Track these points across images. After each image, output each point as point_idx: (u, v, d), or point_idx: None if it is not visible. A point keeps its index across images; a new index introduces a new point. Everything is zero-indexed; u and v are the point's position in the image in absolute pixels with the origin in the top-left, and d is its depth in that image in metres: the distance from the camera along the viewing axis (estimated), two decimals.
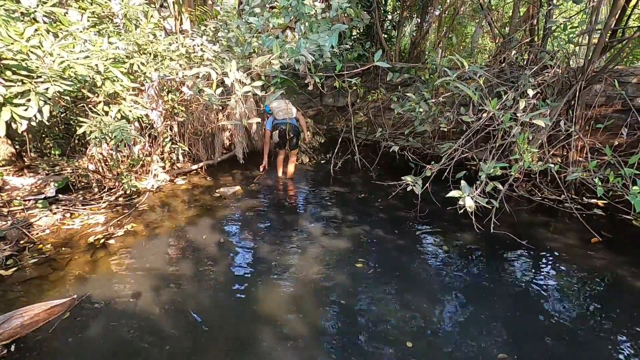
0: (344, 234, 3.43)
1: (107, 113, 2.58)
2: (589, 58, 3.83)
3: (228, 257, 3.04)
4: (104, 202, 3.91)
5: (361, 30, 7.26)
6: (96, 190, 4.10)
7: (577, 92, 3.79)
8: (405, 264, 2.95)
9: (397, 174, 3.33)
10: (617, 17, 4.33)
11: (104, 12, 2.87)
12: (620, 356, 2.02)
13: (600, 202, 3.86)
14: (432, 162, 3.42)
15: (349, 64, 5.91)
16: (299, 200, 4.44)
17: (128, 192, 4.06)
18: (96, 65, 2.18)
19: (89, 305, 2.41)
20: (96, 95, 2.73)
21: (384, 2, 7.45)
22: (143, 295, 2.51)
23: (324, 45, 2.58)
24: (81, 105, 3.03)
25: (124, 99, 2.62)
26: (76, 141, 4.47)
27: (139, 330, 2.20)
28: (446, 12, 7.83)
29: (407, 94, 4.07)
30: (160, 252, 3.07)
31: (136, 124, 4.33)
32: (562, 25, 3.74)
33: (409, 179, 2.91)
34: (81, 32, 2.40)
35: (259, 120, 3.34)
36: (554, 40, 4.43)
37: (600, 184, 2.72)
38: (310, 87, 3.20)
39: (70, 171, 4.16)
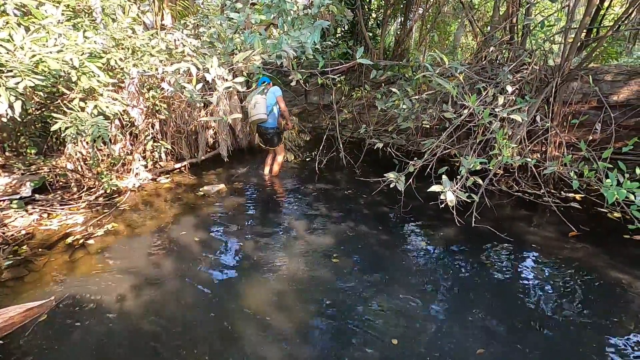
0: (329, 230, 3.44)
1: (83, 109, 2.51)
2: (566, 56, 3.93)
3: (211, 255, 3.00)
4: (83, 202, 3.81)
5: (346, 28, 7.28)
6: (75, 189, 3.99)
7: (554, 89, 3.89)
8: (389, 259, 2.98)
9: (381, 171, 3.35)
10: (591, 16, 4.47)
11: (79, 5, 2.79)
12: (598, 345, 2.09)
13: (577, 196, 3.98)
14: (415, 159, 3.46)
15: (333, 61, 5.92)
16: (284, 198, 4.43)
17: (108, 191, 3.97)
18: (71, 59, 2.11)
19: (67, 306, 2.35)
20: (72, 91, 2.66)
21: (368, 1, 7.48)
22: (124, 295, 2.46)
23: (306, 42, 2.57)
24: (57, 102, 2.94)
25: (101, 95, 2.55)
26: (53, 140, 4.34)
27: (120, 331, 2.16)
28: (429, 11, 7.93)
29: (392, 89, 4.10)
30: (141, 252, 3.02)
31: (117, 122, 4.24)
32: (539, 24, 3.83)
33: (391, 175, 2.94)
34: (55, 25, 2.33)
35: (240, 116, 3.31)
36: (533, 38, 4.53)
37: (575, 177, 2.80)
38: (294, 84, 3.19)
39: (48, 170, 4.04)
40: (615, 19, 4.63)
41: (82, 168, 4.06)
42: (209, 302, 2.44)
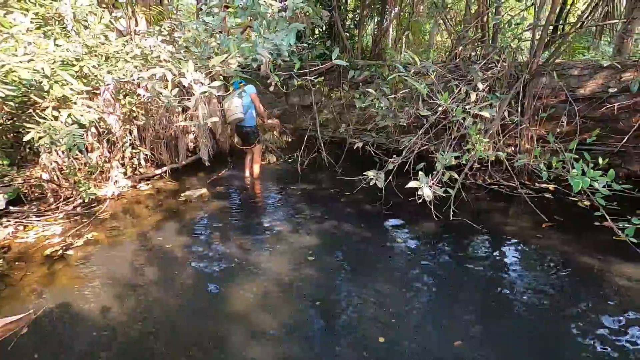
0: (312, 229, 3.48)
1: (56, 118, 2.47)
2: (534, 52, 4.10)
3: (195, 260, 3.00)
4: (61, 212, 3.73)
5: (323, 29, 7.33)
6: (52, 200, 3.90)
7: (524, 85, 4.05)
8: (373, 255, 3.04)
9: (363, 169, 3.41)
10: (557, 13, 4.66)
11: (49, 13, 2.73)
12: (572, 328, 2.20)
13: (550, 186, 4.15)
14: (395, 156, 3.54)
15: (311, 62, 5.96)
16: (267, 200, 4.45)
17: (87, 200, 3.89)
18: (42, 68, 2.08)
19: (48, 319, 2.31)
20: (44, 99, 2.61)
21: (344, 1, 7.56)
22: (107, 304, 2.44)
23: (281, 45, 2.61)
24: (29, 111, 2.87)
25: (75, 103, 2.51)
26: (27, 150, 4.22)
27: (104, 341, 2.14)
28: (404, 11, 8.07)
29: (368, 90, 4.18)
30: (123, 260, 2.99)
31: (93, 129, 4.16)
32: (507, 23, 3.98)
33: (370, 173, 3.01)
34: (24, 34, 2.28)
35: (217, 119, 3.31)
36: (502, 36, 4.70)
37: (544, 169, 2.93)
38: (272, 88, 3.21)
39: (22, 181, 3.93)
40: (579, 16, 4.84)
41: (58, 178, 3.97)
42: (194, 307, 2.44)
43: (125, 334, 2.19)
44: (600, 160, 2.70)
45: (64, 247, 3.14)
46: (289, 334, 2.18)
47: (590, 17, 4.84)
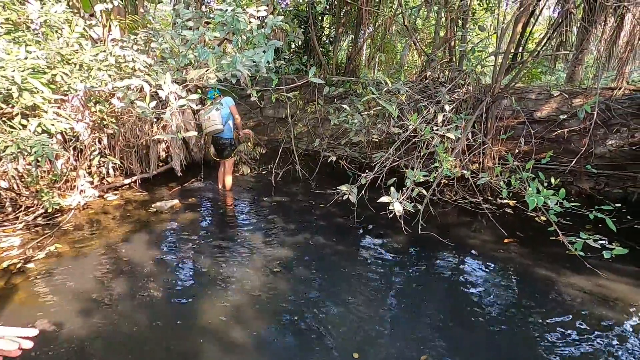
0: (286, 242, 3.51)
1: (25, 127, 2.38)
2: (495, 77, 4.41)
3: (166, 273, 2.95)
4: (20, 223, 3.55)
5: (299, 44, 7.48)
6: (10, 209, 3.70)
7: (487, 107, 4.33)
8: (345, 268, 3.11)
9: (336, 183, 3.50)
10: (515, 43, 5.05)
11: (20, 18, 2.65)
12: (531, 336, 2.36)
13: (511, 202, 4.42)
14: (367, 171, 3.66)
15: (288, 76, 6.06)
16: (240, 212, 4.44)
17: (50, 210, 3.73)
18: (12, 76, 2.01)
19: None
20: (11, 106, 2.50)
21: (320, 19, 7.77)
22: (70, 321, 2.34)
23: (260, 62, 2.67)
24: None
25: (45, 112, 2.44)
26: None
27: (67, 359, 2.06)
28: (378, 31, 8.39)
29: (343, 105, 4.32)
30: (89, 273, 2.88)
31: (59, 136, 4.01)
32: (470, 49, 4.27)
33: (344, 188, 3.10)
34: None
35: (195, 134, 3.31)
36: (467, 62, 5.02)
37: (504, 187, 3.15)
38: (253, 98, 3.26)
39: None
40: (536, 44, 5.26)
41: (17, 186, 3.78)
42: (165, 321, 2.39)
43: (89, 352, 2.11)
44: (552, 180, 2.94)
45: (24, 260, 2.99)
46: (260, 348, 2.19)
47: (545, 47, 5.27)
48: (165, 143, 5.42)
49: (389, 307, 2.63)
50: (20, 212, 3.71)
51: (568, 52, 5.34)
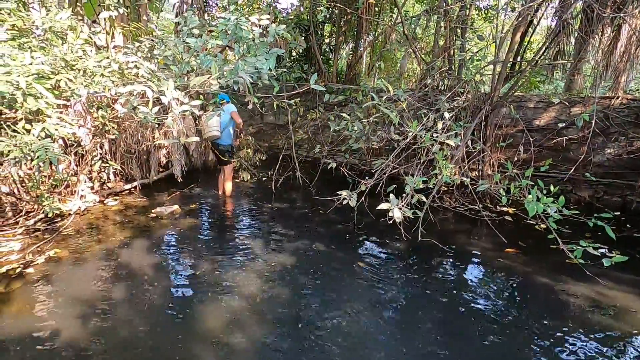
0: (285, 249, 3.51)
1: (28, 131, 2.40)
2: (494, 86, 4.45)
3: (165, 279, 2.94)
4: (21, 227, 3.55)
5: (300, 52, 7.57)
6: (10, 214, 3.70)
7: (486, 115, 4.37)
8: (344, 276, 3.11)
9: (336, 189, 3.51)
10: (514, 52, 5.11)
11: (25, 25, 2.69)
12: (537, 345, 2.35)
13: (510, 210, 4.44)
14: (367, 177, 3.68)
15: (288, 84, 6.11)
16: (240, 218, 4.44)
17: (50, 215, 3.73)
18: (17, 81, 2.04)
19: (4, 342, 2.18)
20: (14, 111, 2.52)
21: (321, 27, 7.87)
22: (68, 326, 2.33)
23: (262, 69, 2.71)
24: None
25: (49, 117, 2.46)
26: None
27: None
28: (378, 39, 8.50)
29: (342, 114, 4.36)
30: (88, 279, 2.87)
31: (60, 141, 4.03)
32: (469, 58, 4.32)
33: (344, 193, 3.11)
34: None
35: (197, 139, 3.34)
36: (466, 71, 5.07)
37: (504, 194, 3.16)
38: (251, 106, 3.29)
39: None
40: (535, 53, 5.33)
41: (18, 190, 3.79)
42: (164, 327, 2.38)
43: (88, 357, 2.10)
44: (552, 188, 2.96)
45: (23, 265, 2.98)
46: (258, 355, 2.18)
47: (544, 56, 5.33)
48: (166, 149, 5.44)
49: (389, 316, 2.62)
50: (20, 216, 3.71)
51: (566, 61, 5.40)
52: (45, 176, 4.07)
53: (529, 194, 2.84)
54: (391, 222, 2.86)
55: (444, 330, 2.45)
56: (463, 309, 2.69)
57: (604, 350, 2.27)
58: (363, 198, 3.70)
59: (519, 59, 5.57)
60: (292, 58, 7.75)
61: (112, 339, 2.24)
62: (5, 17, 2.48)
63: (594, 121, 3.87)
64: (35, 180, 3.78)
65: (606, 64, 5.08)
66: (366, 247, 3.67)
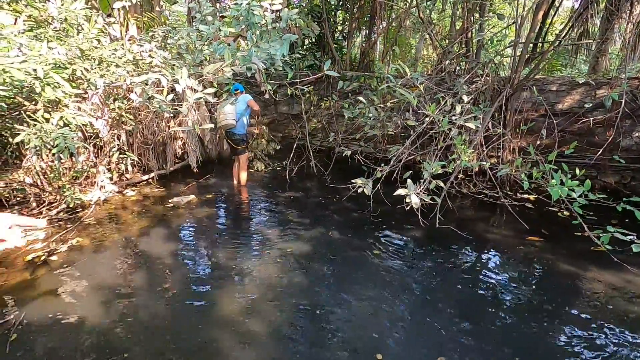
0: (301, 237, 3.51)
1: (47, 120, 2.44)
2: (515, 68, 4.29)
3: (184, 266, 2.98)
4: (44, 217, 3.65)
5: (313, 40, 7.47)
6: (34, 205, 3.81)
7: (506, 99, 4.22)
8: (361, 263, 3.08)
9: (351, 178, 3.47)
10: (536, 32, 4.89)
11: (41, 15, 2.72)
12: (560, 333, 2.28)
13: (531, 197, 4.31)
14: (382, 165, 3.62)
15: (301, 72, 6.05)
16: (256, 207, 4.45)
17: (71, 205, 3.82)
18: (34, 70, 2.07)
19: (31, 326, 2.25)
20: (33, 102, 2.57)
21: (334, 14, 7.74)
22: (92, 311, 2.39)
23: (275, 55, 2.67)
24: (16, 113, 2.83)
25: (67, 106, 2.49)
26: (9, 153, 4.13)
27: (89, 347, 2.10)
28: (392, 25, 8.30)
29: (359, 98, 4.29)
30: (109, 266, 2.94)
31: (79, 133, 4.11)
32: (489, 40, 4.16)
33: (359, 181, 3.07)
34: (16, 35, 2.27)
35: (212, 125, 3.34)
36: (485, 52, 4.90)
37: (525, 179, 3.05)
38: (267, 96, 3.26)
39: (3, 185, 3.83)
40: (557, 35, 5.11)
41: (41, 182, 3.89)
42: (183, 313, 2.42)
43: (109, 341, 2.15)
44: (577, 171, 2.84)
45: (47, 253, 3.07)
46: (276, 341, 2.19)
47: (567, 37, 5.10)
48: (182, 140, 5.49)
49: (407, 303, 2.58)
50: (43, 207, 3.81)
51: (591, 41, 5.15)
52: (66, 168, 4.17)
53: (553, 177, 2.73)
54: (408, 208, 2.81)
55: (465, 317, 2.40)
56: (483, 296, 2.63)
57: (632, 338, 2.18)
58: (379, 186, 3.65)
59: (540, 40, 5.35)
60: (304, 46, 7.66)
61: (134, 324, 2.29)
62: (22, 8, 2.52)
63: (623, 101, 3.68)
64: (57, 172, 3.87)
65: (635, 43, 4.82)
66: (383, 234, 3.62)
